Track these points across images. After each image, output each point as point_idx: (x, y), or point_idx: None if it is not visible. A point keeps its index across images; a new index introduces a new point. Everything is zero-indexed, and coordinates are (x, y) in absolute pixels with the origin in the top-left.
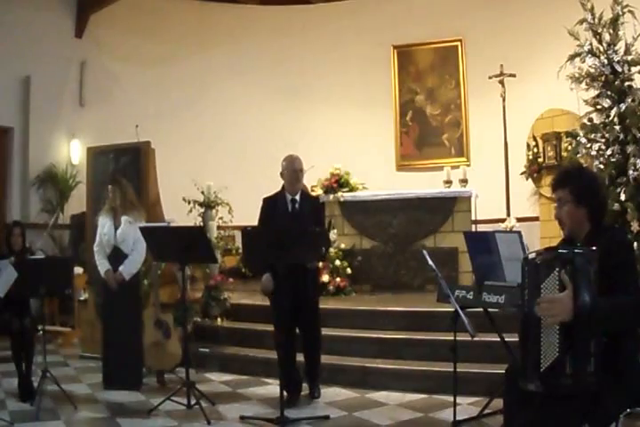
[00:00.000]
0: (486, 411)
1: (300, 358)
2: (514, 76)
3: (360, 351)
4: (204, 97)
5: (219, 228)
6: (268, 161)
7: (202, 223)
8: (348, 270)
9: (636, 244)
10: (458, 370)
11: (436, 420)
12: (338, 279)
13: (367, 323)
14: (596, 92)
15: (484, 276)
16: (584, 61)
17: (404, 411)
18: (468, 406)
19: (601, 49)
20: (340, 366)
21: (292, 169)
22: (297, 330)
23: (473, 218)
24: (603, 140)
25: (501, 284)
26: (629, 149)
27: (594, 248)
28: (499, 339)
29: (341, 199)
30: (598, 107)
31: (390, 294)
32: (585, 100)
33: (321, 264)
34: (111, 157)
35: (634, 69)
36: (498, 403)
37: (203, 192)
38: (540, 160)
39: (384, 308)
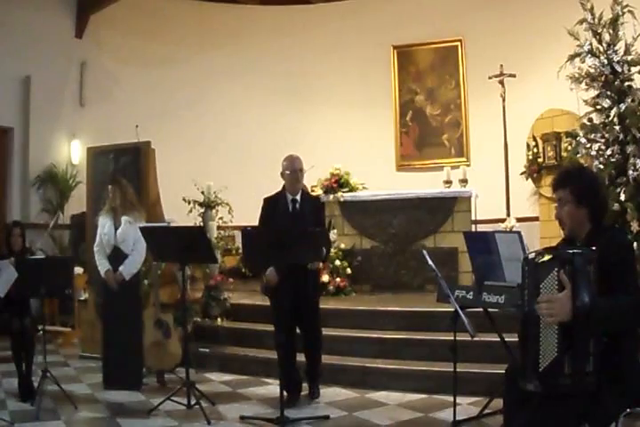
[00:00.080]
0: (486, 411)
1: (300, 358)
2: (514, 76)
3: (360, 351)
4: (205, 97)
5: (219, 228)
6: (268, 161)
7: (202, 223)
8: (348, 270)
9: (635, 244)
10: (458, 370)
11: (436, 420)
12: (338, 279)
13: (367, 323)
14: (596, 93)
15: (484, 276)
16: (584, 61)
17: (403, 411)
18: (467, 406)
19: (601, 49)
20: (340, 366)
21: (293, 169)
22: (297, 330)
23: (473, 218)
24: (602, 140)
25: (501, 284)
26: (629, 149)
27: (593, 248)
28: (499, 339)
29: (341, 199)
30: (598, 107)
31: (390, 294)
32: (585, 101)
33: (321, 264)
34: (111, 157)
35: (634, 69)
36: (498, 403)
37: (203, 192)
38: (540, 160)
39: (384, 308)
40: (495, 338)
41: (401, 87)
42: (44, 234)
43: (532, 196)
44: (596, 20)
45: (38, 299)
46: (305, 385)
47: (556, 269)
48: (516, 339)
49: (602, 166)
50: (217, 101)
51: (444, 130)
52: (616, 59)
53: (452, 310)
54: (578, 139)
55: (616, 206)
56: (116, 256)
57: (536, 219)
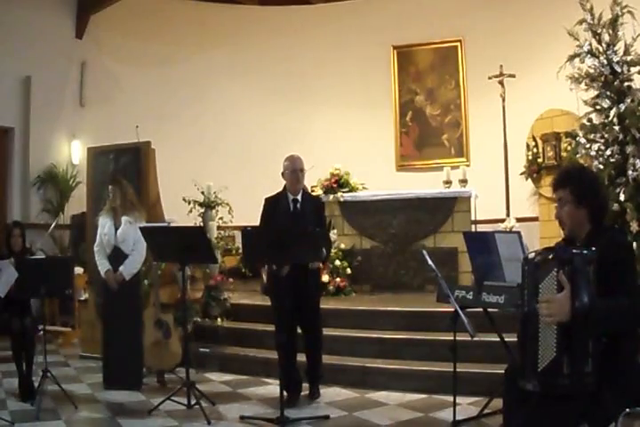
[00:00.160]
0: (486, 411)
1: (300, 358)
2: (513, 76)
3: (360, 351)
4: (204, 97)
5: (219, 228)
6: (268, 161)
7: (202, 223)
8: (348, 270)
9: (635, 244)
10: (458, 370)
11: (436, 420)
12: (338, 279)
13: (367, 323)
14: (596, 93)
15: (484, 276)
16: (583, 62)
17: (403, 411)
18: (467, 405)
19: (600, 49)
20: (340, 366)
21: (293, 169)
22: (298, 330)
23: (473, 218)
24: (602, 140)
25: (501, 284)
26: (629, 149)
27: (593, 249)
28: (498, 339)
29: (341, 199)
30: (598, 107)
31: (390, 294)
32: (584, 101)
33: (321, 265)
34: (111, 157)
35: (633, 70)
36: (497, 403)
37: (203, 192)
38: (540, 160)
39: (384, 308)
40: (495, 338)
41: (401, 87)
42: (44, 235)
43: (532, 196)
44: (596, 21)
45: (38, 299)
46: (305, 385)
47: (555, 269)
48: (516, 339)
49: (601, 167)
50: (217, 101)
51: (443, 130)
52: (615, 59)
53: (452, 310)
54: (577, 139)
55: (615, 207)
56: (117, 256)
57: (536, 219)
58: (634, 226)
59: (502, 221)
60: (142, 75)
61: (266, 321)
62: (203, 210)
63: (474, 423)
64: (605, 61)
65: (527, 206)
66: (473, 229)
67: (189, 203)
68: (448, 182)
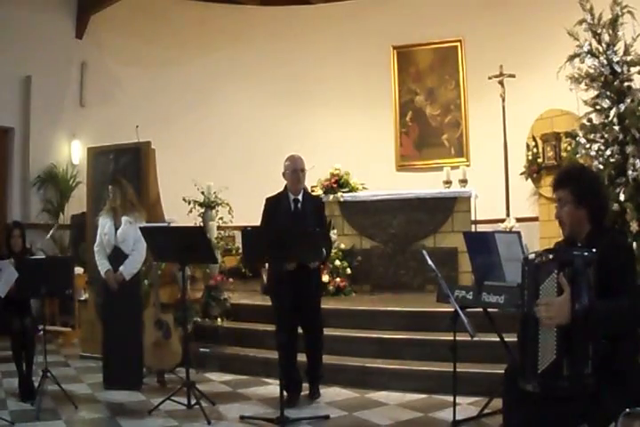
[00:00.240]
0: (486, 411)
1: (301, 358)
2: (513, 76)
3: (360, 351)
4: (205, 98)
5: (219, 228)
6: (268, 161)
7: (202, 223)
8: (348, 270)
9: (635, 244)
10: (458, 370)
11: (436, 420)
12: (338, 279)
13: (367, 323)
14: (596, 93)
15: (484, 276)
16: (583, 62)
17: (403, 411)
18: (467, 405)
19: (600, 49)
20: (340, 366)
21: (294, 169)
22: (299, 330)
23: (473, 218)
24: (602, 140)
25: (501, 284)
26: (628, 149)
27: (593, 250)
28: (498, 339)
29: (341, 199)
30: (597, 107)
31: (390, 294)
32: (584, 101)
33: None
34: (111, 157)
35: (633, 70)
36: (497, 403)
37: (203, 192)
38: (540, 160)
39: (384, 308)
40: (495, 338)
41: (401, 88)
42: (44, 235)
43: (532, 196)
44: (596, 21)
45: (38, 299)
46: (305, 385)
47: (555, 271)
48: (516, 339)
49: (601, 167)
50: (217, 102)
51: (443, 130)
52: (615, 59)
53: (452, 310)
54: (577, 139)
55: (615, 207)
56: (117, 256)
57: (536, 219)
58: (634, 226)
59: (502, 221)
60: (142, 75)
61: (266, 321)
62: (203, 210)
63: (474, 423)
64: (605, 61)
65: (527, 206)
66: (473, 229)
67: (189, 203)
68: (448, 182)
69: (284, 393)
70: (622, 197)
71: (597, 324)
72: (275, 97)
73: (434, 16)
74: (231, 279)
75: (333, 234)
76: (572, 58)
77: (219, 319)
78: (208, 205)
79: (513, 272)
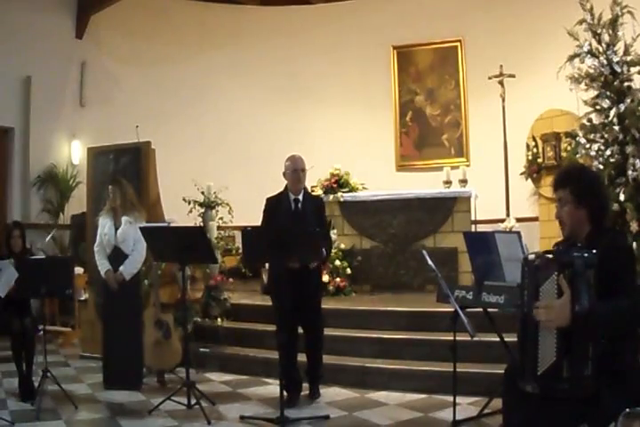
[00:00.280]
0: (486, 411)
1: (301, 357)
2: (513, 76)
3: (360, 351)
4: (205, 98)
5: (219, 228)
6: (268, 161)
7: (202, 223)
8: (348, 270)
9: (635, 244)
10: (457, 370)
11: (436, 420)
12: (338, 279)
13: (367, 323)
14: (596, 93)
15: (484, 276)
16: (583, 62)
17: (403, 411)
18: (467, 405)
19: (600, 49)
20: (340, 366)
21: (295, 169)
22: (299, 330)
23: (472, 218)
24: (602, 140)
25: (501, 284)
26: (628, 149)
27: (594, 251)
28: (498, 339)
29: (341, 199)
30: (597, 107)
31: (390, 294)
32: (584, 101)
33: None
34: (111, 157)
35: (633, 70)
36: (497, 403)
37: (203, 192)
38: (540, 160)
39: (384, 308)
40: (495, 338)
41: (401, 87)
42: (44, 235)
43: (532, 196)
44: (596, 21)
45: (39, 299)
46: (305, 385)
47: (555, 273)
48: (516, 339)
49: (601, 167)
50: (217, 101)
51: (443, 130)
52: (615, 59)
53: (452, 310)
54: (577, 139)
55: (615, 207)
56: (117, 256)
57: (536, 219)
58: (634, 226)
59: (502, 221)
60: (142, 75)
61: (266, 321)
62: (203, 210)
63: (474, 423)
64: (605, 61)
65: (527, 206)
66: (473, 229)
67: (189, 203)
68: (448, 182)
69: (284, 393)
70: (622, 197)
71: (598, 325)
72: (275, 97)
73: (434, 16)
74: (231, 279)
75: (333, 234)
76: (571, 58)
77: (219, 319)
78: (208, 205)
79: (513, 272)
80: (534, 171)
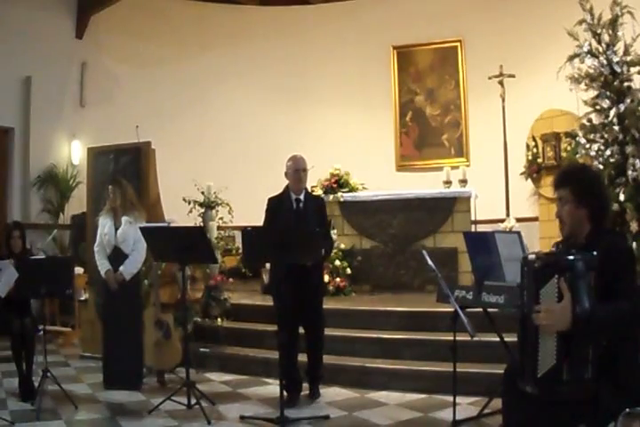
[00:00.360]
0: (486, 411)
1: (301, 357)
2: (513, 76)
3: (360, 351)
4: (205, 97)
5: (219, 228)
6: (268, 161)
7: (202, 223)
8: (348, 270)
9: (635, 244)
10: (457, 370)
11: (436, 420)
12: (338, 279)
13: (367, 323)
14: (596, 93)
15: (484, 276)
16: (583, 62)
17: (403, 411)
18: (467, 405)
19: (600, 50)
20: (340, 366)
21: (296, 169)
22: (300, 330)
23: (472, 218)
24: (602, 140)
25: (501, 284)
26: (628, 149)
27: (594, 253)
28: (498, 339)
29: (341, 199)
30: (597, 107)
31: (390, 294)
32: (584, 101)
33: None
34: (111, 157)
35: (633, 70)
36: (497, 403)
37: (203, 192)
38: (540, 160)
39: (384, 308)
40: (495, 338)
41: (401, 87)
42: (44, 235)
43: (532, 196)
44: (596, 21)
45: (39, 299)
46: (305, 385)
47: (556, 276)
48: (516, 339)
49: (601, 167)
50: (217, 102)
51: (443, 130)
52: (615, 59)
53: (452, 310)
54: (577, 139)
55: (615, 207)
56: (117, 256)
57: (535, 219)
58: (634, 226)
59: (502, 221)
60: (142, 75)
61: (266, 321)
62: (203, 210)
63: (474, 423)
64: (605, 61)
65: (527, 206)
66: (473, 229)
67: (189, 203)
68: (448, 182)
69: (284, 393)
70: (622, 197)
71: (598, 328)
72: (275, 97)
73: (434, 16)
74: (231, 279)
75: (333, 234)
76: (571, 58)
77: (219, 319)
78: (208, 205)
79: (513, 272)
80: (534, 171)
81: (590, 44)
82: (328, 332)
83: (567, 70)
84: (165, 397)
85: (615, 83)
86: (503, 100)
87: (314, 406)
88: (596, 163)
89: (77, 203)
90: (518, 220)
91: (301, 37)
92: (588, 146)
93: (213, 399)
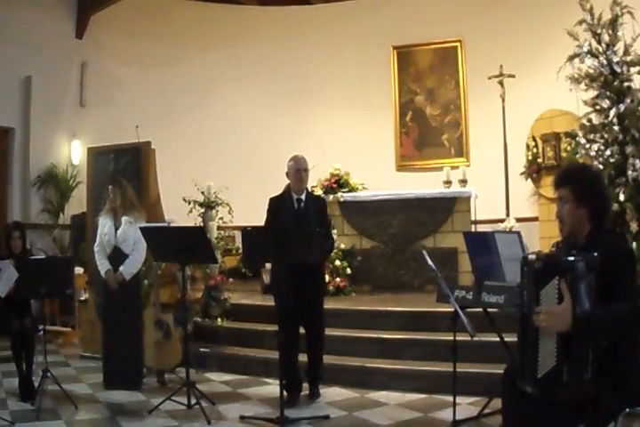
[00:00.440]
0: (486, 411)
1: (301, 357)
2: (513, 76)
3: (360, 351)
4: (205, 98)
5: (219, 228)
6: (268, 161)
7: (202, 224)
8: (348, 270)
9: (635, 244)
10: (457, 370)
11: (436, 420)
12: (338, 279)
13: (367, 323)
14: (595, 93)
15: (484, 276)
16: (583, 62)
17: (403, 411)
18: (467, 405)
19: (600, 50)
20: (340, 366)
21: (297, 169)
22: (301, 330)
23: (472, 218)
24: (602, 140)
25: (501, 284)
26: (628, 149)
27: (595, 254)
28: (498, 339)
29: (341, 199)
30: (597, 107)
31: (390, 294)
32: (584, 101)
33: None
34: (111, 157)
35: (633, 70)
36: (497, 403)
37: (203, 192)
38: (540, 160)
39: (384, 308)
40: (495, 338)
41: (401, 88)
42: (44, 235)
43: (532, 196)
44: (596, 21)
45: (39, 299)
46: (305, 385)
47: (556, 277)
48: (516, 339)
49: (601, 167)
50: (217, 102)
51: (443, 130)
52: (615, 59)
53: (452, 310)
54: (577, 139)
55: (615, 207)
56: (117, 256)
57: (535, 219)
58: (634, 226)
59: (502, 221)
60: (142, 75)
61: (266, 321)
62: (203, 210)
63: (474, 423)
64: (605, 62)
65: (527, 206)
66: (473, 229)
67: (189, 203)
68: (448, 182)
69: (284, 393)
70: (622, 197)
71: (598, 329)
72: (275, 97)
73: (434, 16)
74: (231, 279)
75: (333, 234)
76: (571, 58)
77: (219, 319)
78: (208, 205)
79: (513, 272)
80: (534, 171)
81: (590, 44)
82: (328, 332)
83: (567, 70)
84: (165, 397)
85: (615, 83)
86: (503, 101)
87: (314, 406)
88: (595, 163)
89: (77, 203)
90: (518, 220)
91: (301, 37)
92: (587, 146)
93: (213, 399)
